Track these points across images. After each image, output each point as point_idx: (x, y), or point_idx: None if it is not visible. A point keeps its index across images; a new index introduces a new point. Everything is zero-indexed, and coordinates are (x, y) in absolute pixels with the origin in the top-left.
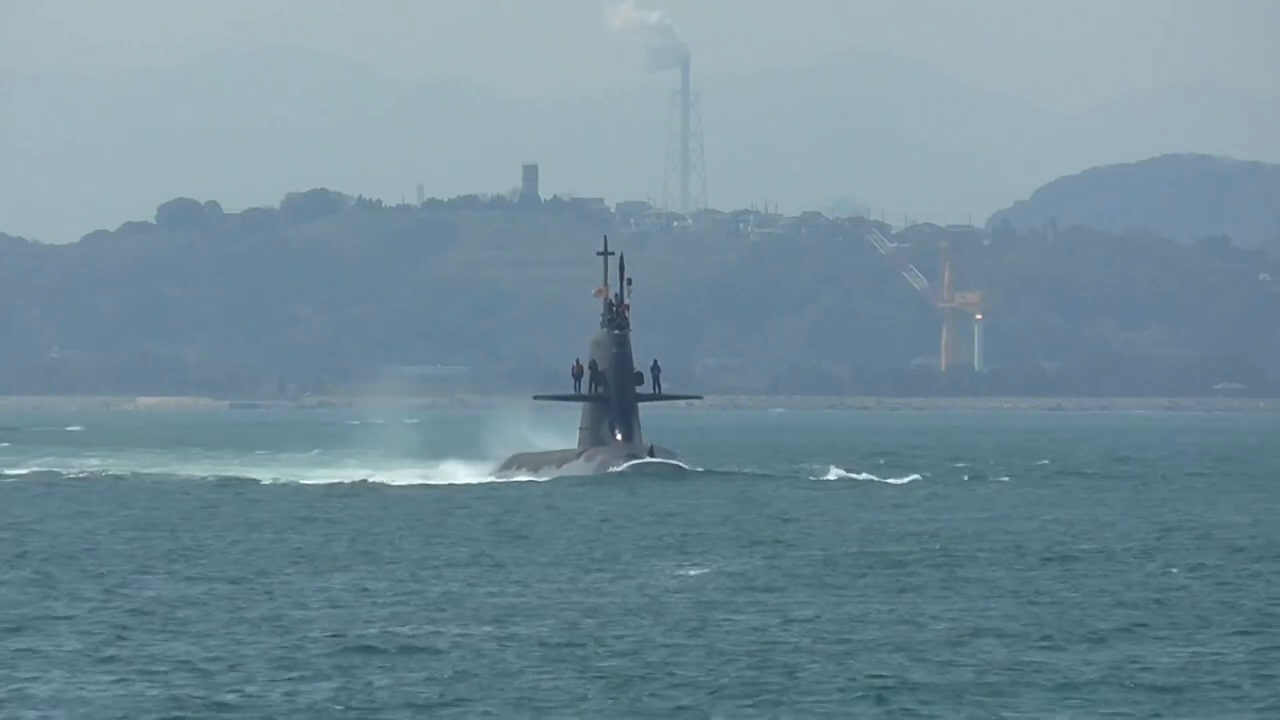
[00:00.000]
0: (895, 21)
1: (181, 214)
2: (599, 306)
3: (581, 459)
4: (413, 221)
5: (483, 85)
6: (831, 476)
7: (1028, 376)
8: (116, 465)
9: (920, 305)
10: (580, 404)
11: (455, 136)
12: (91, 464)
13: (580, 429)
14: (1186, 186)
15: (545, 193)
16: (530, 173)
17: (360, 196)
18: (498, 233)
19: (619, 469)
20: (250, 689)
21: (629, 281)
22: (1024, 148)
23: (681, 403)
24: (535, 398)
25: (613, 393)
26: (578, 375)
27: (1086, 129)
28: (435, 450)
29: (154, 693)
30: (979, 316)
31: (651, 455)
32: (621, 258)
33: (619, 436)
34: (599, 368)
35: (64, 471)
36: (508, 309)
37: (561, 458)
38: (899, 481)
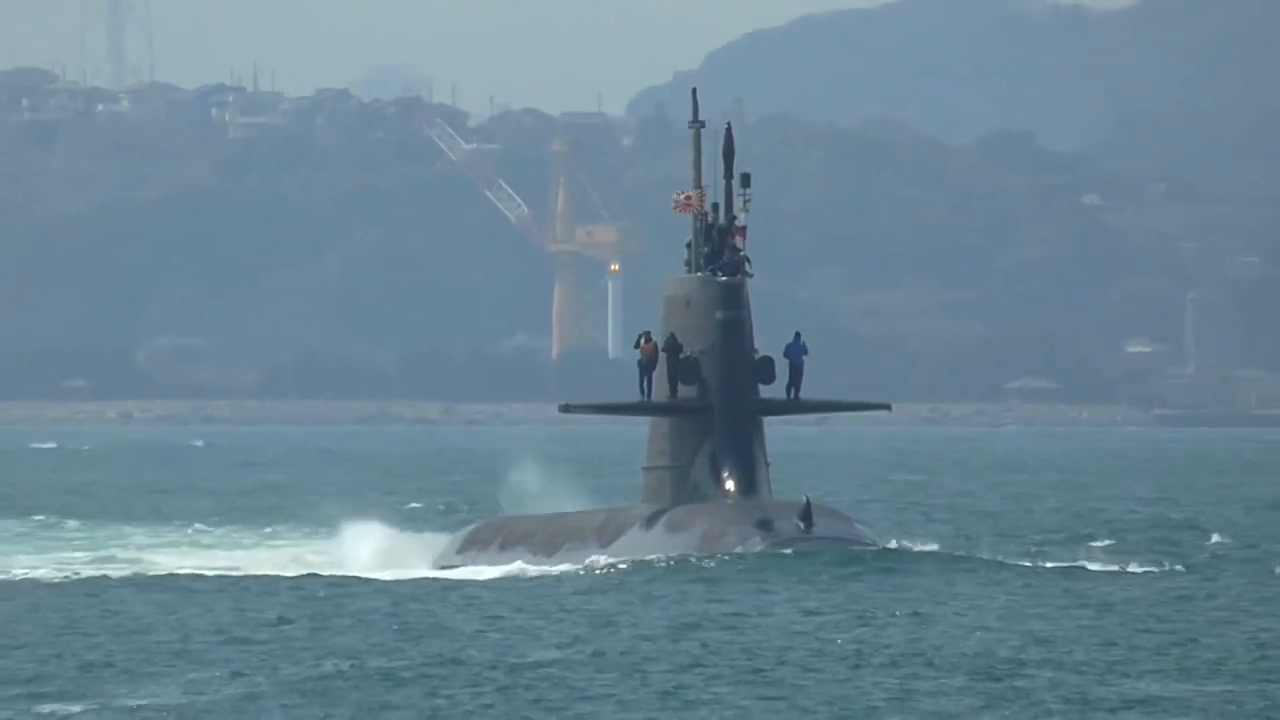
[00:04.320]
0: None
1: None
2: None
3: (659, 527)
4: None
5: None
6: None
7: None
8: None
9: (518, 246)
10: (649, 419)
11: None
12: None
13: (647, 468)
14: None
15: None
16: None
17: None
18: None
19: (749, 550)
20: None
21: (744, 184)
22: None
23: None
24: (564, 408)
25: (716, 396)
26: (647, 364)
27: None
28: None
29: None
30: (615, 268)
31: (807, 522)
32: (729, 132)
33: (731, 485)
34: (686, 349)
35: None
36: None
37: (610, 524)
38: None
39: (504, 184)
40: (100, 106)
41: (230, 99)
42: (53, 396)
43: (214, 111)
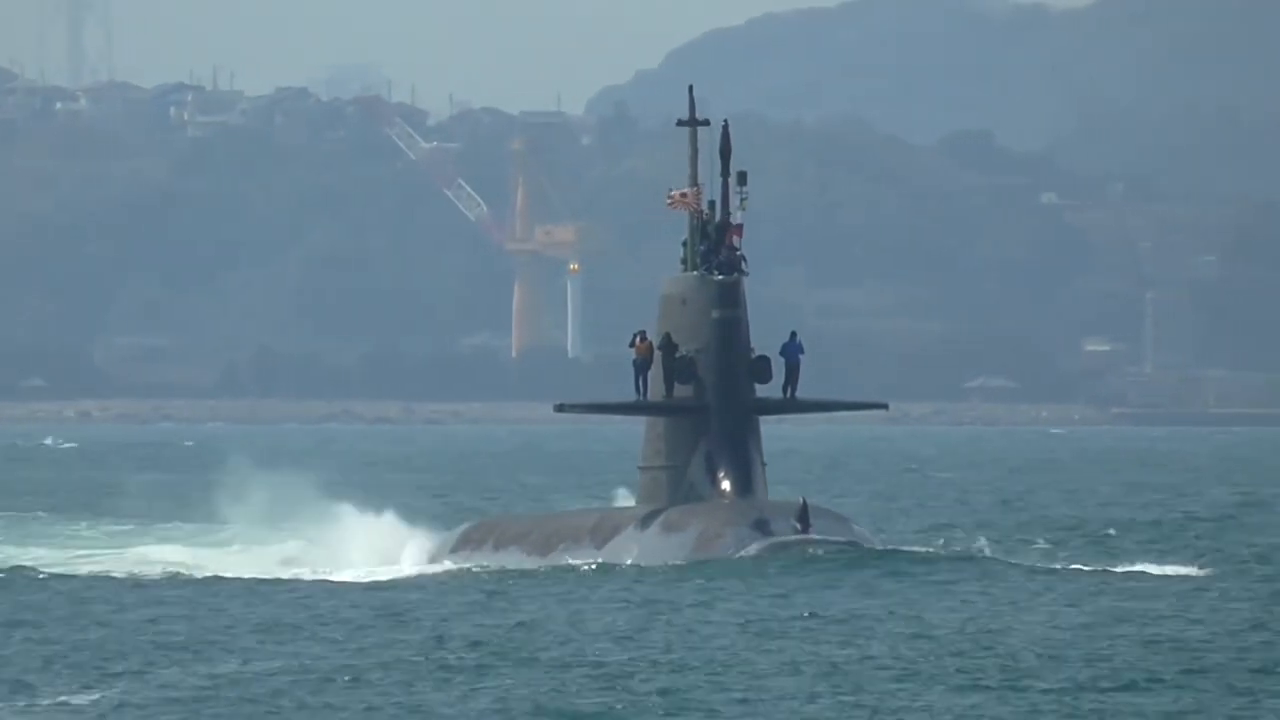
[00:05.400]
0: None
1: None
2: None
3: (655, 528)
4: None
5: None
6: None
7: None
8: None
9: (478, 246)
10: (644, 418)
11: None
12: None
13: (643, 468)
14: None
15: None
16: None
17: None
18: None
19: (743, 552)
20: None
21: (741, 182)
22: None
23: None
24: (559, 408)
25: (712, 395)
26: (642, 363)
27: None
28: None
29: None
30: (574, 267)
31: (804, 523)
32: (726, 130)
33: (726, 485)
34: (682, 348)
35: None
36: None
37: (605, 524)
38: None
39: (463, 183)
40: (59, 105)
41: (189, 98)
42: (10, 396)
43: (173, 110)
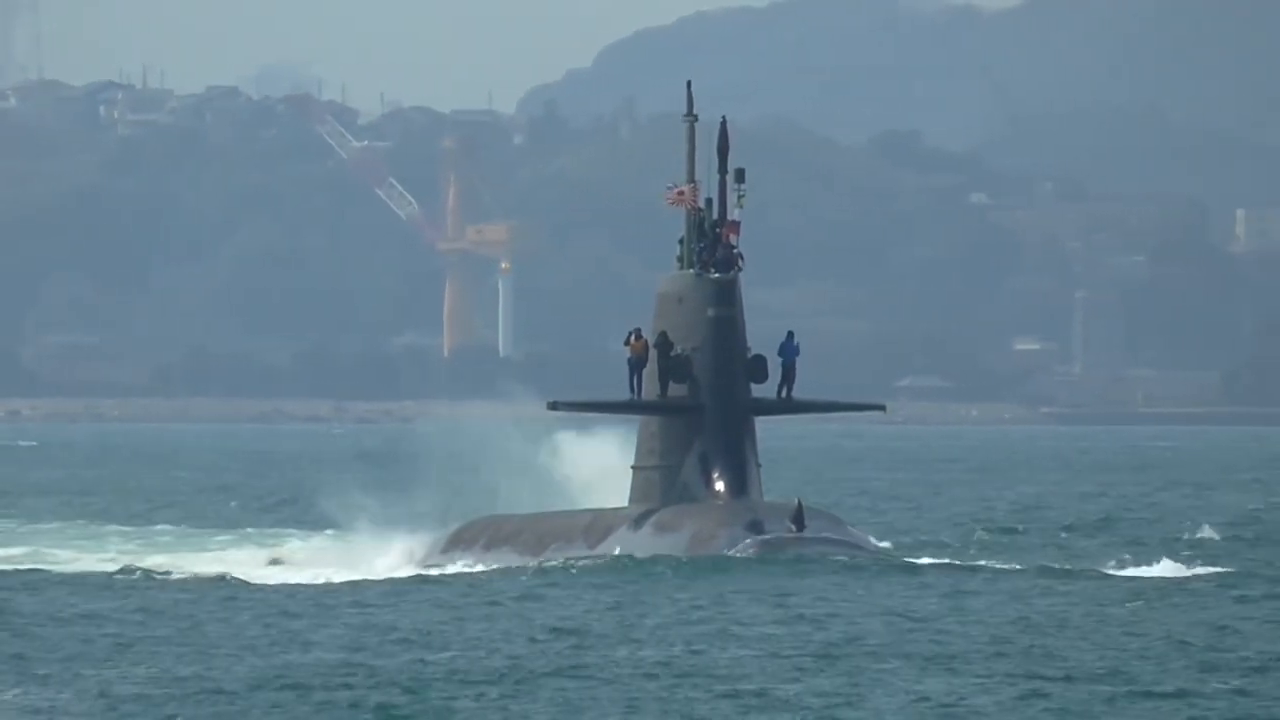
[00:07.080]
0: None
1: None
2: None
3: (648, 527)
4: None
5: None
6: None
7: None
8: None
9: (409, 244)
10: (638, 417)
11: None
12: None
13: (636, 468)
14: None
15: None
16: None
17: None
18: None
19: (735, 551)
20: None
21: (738, 179)
22: None
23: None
24: (552, 406)
25: (707, 395)
26: (637, 361)
27: None
28: None
29: None
30: (505, 266)
31: (799, 524)
32: (724, 126)
33: (720, 485)
34: (677, 346)
35: None
36: None
37: (598, 524)
38: None
39: (395, 182)
40: None
41: (119, 96)
42: None
43: (103, 109)
